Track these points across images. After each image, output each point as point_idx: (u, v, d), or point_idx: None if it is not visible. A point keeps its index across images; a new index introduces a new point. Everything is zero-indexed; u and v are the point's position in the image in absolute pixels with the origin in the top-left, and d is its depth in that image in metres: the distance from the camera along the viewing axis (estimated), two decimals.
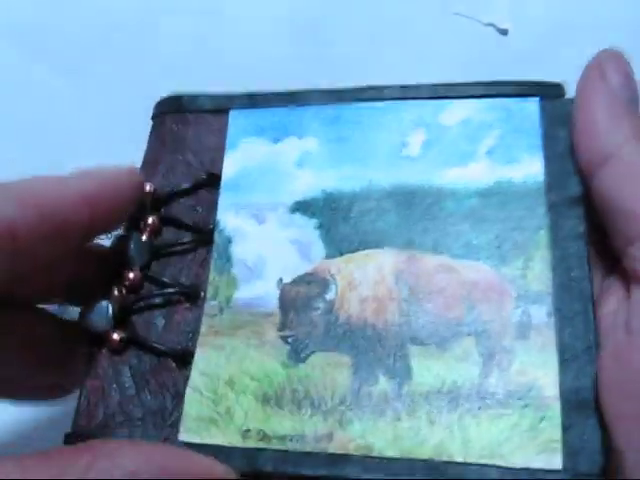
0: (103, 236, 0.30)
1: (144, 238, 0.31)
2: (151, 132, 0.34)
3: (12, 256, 0.26)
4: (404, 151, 0.31)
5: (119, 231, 0.31)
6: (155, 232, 0.31)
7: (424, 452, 0.25)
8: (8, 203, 0.26)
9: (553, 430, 0.25)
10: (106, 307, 0.29)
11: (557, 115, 0.30)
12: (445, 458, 0.25)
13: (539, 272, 0.28)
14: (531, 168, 0.30)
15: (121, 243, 0.30)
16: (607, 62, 0.28)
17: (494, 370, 0.26)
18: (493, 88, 0.31)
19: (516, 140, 0.30)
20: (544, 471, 0.24)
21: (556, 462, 0.24)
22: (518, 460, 0.25)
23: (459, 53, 0.37)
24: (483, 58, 0.37)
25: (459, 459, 0.25)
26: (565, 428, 0.25)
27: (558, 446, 0.25)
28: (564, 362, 0.26)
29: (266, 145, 0.33)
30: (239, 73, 0.33)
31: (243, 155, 0.33)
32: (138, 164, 0.33)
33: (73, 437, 0.27)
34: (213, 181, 0.32)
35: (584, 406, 0.25)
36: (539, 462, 0.24)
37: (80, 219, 0.28)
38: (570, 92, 0.31)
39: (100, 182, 0.29)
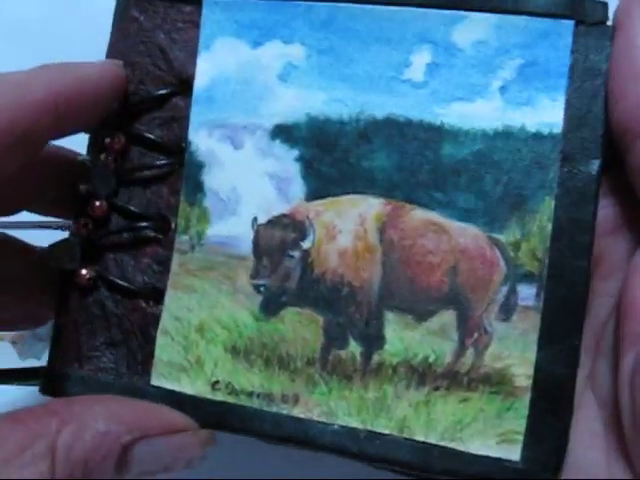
0: None
1: (108, 159, 0.28)
2: (114, 18, 0.29)
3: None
4: (406, 73, 0.26)
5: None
6: (121, 152, 0.28)
7: (387, 426, 0.26)
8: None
9: (518, 421, 0.25)
10: (73, 243, 0.27)
11: (593, 45, 0.25)
12: (406, 434, 0.25)
13: (535, 245, 0.25)
14: (549, 115, 0.25)
15: (84, 169, 0.28)
16: None
17: (469, 351, 0.25)
18: (520, 1, 0.26)
19: (537, 75, 0.25)
20: (500, 460, 0.25)
21: (514, 454, 0.25)
22: (477, 446, 0.25)
23: None
24: None
25: (420, 438, 0.25)
26: (531, 420, 0.25)
27: (520, 438, 0.25)
28: (543, 349, 0.25)
29: (246, 49, 0.28)
30: None
31: (218, 59, 0.28)
32: None
33: (48, 381, 0.28)
34: (185, 88, 0.28)
35: (557, 398, 0.24)
36: (498, 451, 0.25)
37: (46, 121, 0.25)
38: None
39: (70, 80, 0.26)
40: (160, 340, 0.27)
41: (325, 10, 0.27)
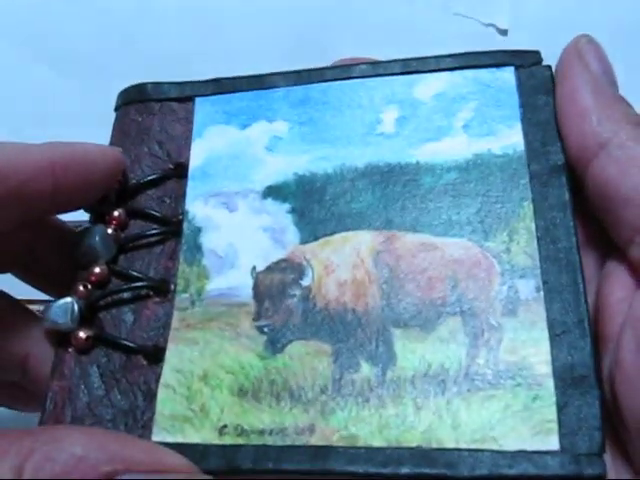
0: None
1: (110, 231, 0.29)
2: (114, 124, 0.32)
3: None
4: (378, 128, 0.30)
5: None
6: (121, 225, 0.30)
7: (412, 439, 0.24)
8: None
9: (547, 409, 0.23)
10: (71, 304, 0.27)
11: (534, 83, 0.29)
12: (435, 445, 0.23)
13: (524, 245, 0.26)
14: (510, 139, 0.28)
15: (86, 236, 0.29)
16: (585, 49, 0.28)
17: (482, 350, 0.25)
18: (466, 59, 0.30)
19: (493, 112, 0.29)
20: (541, 453, 0.23)
21: (553, 443, 0.23)
22: (512, 443, 0.23)
23: None
24: None
25: (450, 445, 0.23)
26: (560, 407, 0.23)
27: (554, 426, 0.23)
28: (555, 337, 0.24)
29: (234, 131, 0.31)
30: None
31: (211, 143, 0.31)
32: None
33: None
34: (180, 171, 0.31)
35: (580, 382, 0.24)
36: (535, 444, 0.23)
37: (42, 186, 0.27)
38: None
39: (69, 152, 0.28)
40: (162, 394, 0.26)
41: (301, 91, 0.31)
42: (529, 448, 0.23)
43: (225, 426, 0.25)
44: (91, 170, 0.29)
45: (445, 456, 0.23)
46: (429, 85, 0.30)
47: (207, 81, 0.32)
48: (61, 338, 0.27)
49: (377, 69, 0.31)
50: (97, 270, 0.28)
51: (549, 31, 0.31)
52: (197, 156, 0.31)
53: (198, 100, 0.32)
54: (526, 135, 0.28)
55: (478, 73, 0.30)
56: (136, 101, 0.32)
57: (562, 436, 0.23)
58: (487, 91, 0.29)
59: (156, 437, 0.25)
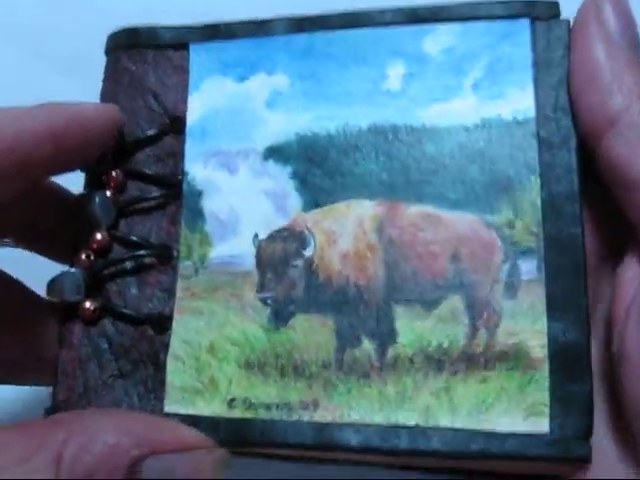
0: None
1: (108, 194, 0.29)
2: (106, 70, 0.31)
3: None
4: (383, 85, 0.28)
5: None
6: (119, 187, 0.29)
7: (411, 418, 0.25)
8: None
9: (540, 393, 0.24)
10: (76, 275, 0.27)
11: (550, 38, 0.27)
12: (431, 423, 0.25)
13: (529, 222, 0.26)
14: (521, 103, 0.27)
15: (84, 202, 0.28)
16: (604, 3, 0.25)
17: (481, 331, 0.26)
18: (479, 9, 0.28)
19: (505, 70, 0.28)
20: (531, 435, 0.24)
21: (543, 426, 0.24)
22: (505, 424, 0.24)
23: None
24: None
25: (446, 424, 0.25)
26: (553, 391, 0.24)
27: (545, 410, 0.24)
28: (553, 322, 0.25)
29: (232, 84, 0.30)
30: None
31: (208, 96, 0.30)
32: None
33: (53, 413, 0.27)
34: (177, 126, 0.30)
35: (573, 368, 0.24)
36: (526, 426, 0.24)
37: (44, 153, 0.26)
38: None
39: (67, 114, 0.27)
40: (171, 366, 0.27)
41: (303, 40, 0.29)
42: (520, 430, 0.24)
43: (234, 399, 0.26)
44: (89, 130, 0.28)
45: (441, 434, 0.25)
46: (438, 38, 0.28)
47: (203, 27, 0.30)
48: (68, 310, 0.28)
49: (384, 17, 0.29)
50: (98, 237, 0.28)
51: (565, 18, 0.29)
52: (194, 111, 0.30)
53: (193, 47, 0.30)
54: (537, 98, 0.27)
55: (491, 25, 0.28)
56: (128, 46, 0.31)
57: (552, 419, 0.24)
58: (500, 46, 0.28)
59: (169, 408, 0.27)
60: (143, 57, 0.30)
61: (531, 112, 0.27)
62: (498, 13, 0.28)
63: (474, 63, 0.28)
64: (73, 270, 0.28)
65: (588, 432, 0.24)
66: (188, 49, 0.30)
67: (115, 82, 0.30)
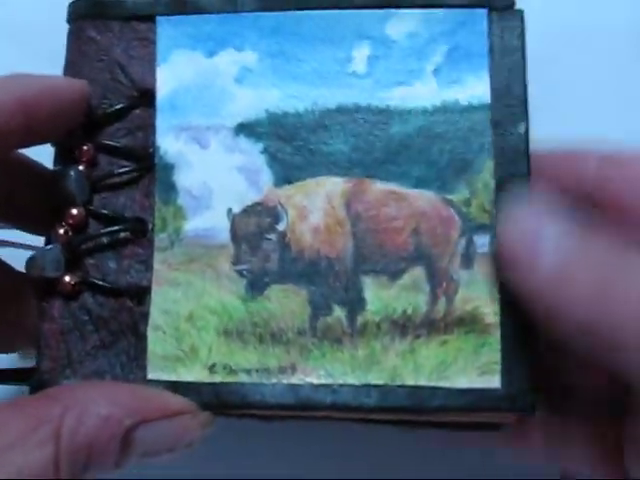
0: None
1: (81, 169, 0.29)
2: (69, 40, 0.30)
3: None
4: (350, 67, 0.30)
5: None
6: (92, 162, 0.29)
7: (379, 378, 0.28)
8: None
9: (493, 354, 0.28)
10: (55, 251, 0.28)
11: (505, 27, 0.30)
12: (398, 382, 0.28)
13: (483, 200, 0.29)
14: (477, 89, 0.29)
15: (58, 178, 0.29)
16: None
17: (441, 299, 0.28)
18: None
19: (462, 58, 0.30)
20: (485, 390, 0.28)
21: (495, 381, 0.28)
22: (462, 381, 0.28)
23: None
24: None
25: (410, 382, 0.28)
26: (503, 352, 0.28)
27: (497, 367, 0.28)
28: (504, 290, 0.28)
29: (201, 58, 0.30)
30: None
31: (177, 70, 0.30)
32: None
33: (38, 386, 0.28)
34: (146, 100, 0.30)
35: (521, 330, 0.28)
36: (480, 382, 0.28)
37: (14, 125, 0.27)
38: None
39: (37, 87, 0.28)
40: (151, 335, 0.28)
41: (272, 18, 0.30)
42: (476, 385, 0.28)
43: (214, 365, 0.28)
44: (60, 102, 0.28)
45: (406, 391, 0.28)
46: (402, 22, 0.30)
47: None
48: (48, 285, 0.28)
49: (351, 1, 0.30)
50: (74, 212, 0.29)
51: (549, 31, 0.31)
52: (164, 84, 0.30)
53: (160, 20, 0.30)
54: (492, 84, 0.29)
55: (451, 13, 0.30)
56: (91, 16, 0.30)
57: (503, 376, 0.28)
58: (458, 34, 0.30)
59: (152, 375, 0.28)
60: (108, 28, 0.30)
61: (486, 98, 0.29)
62: (457, 2, 0.30)
63: (435, 49, 0.30)
64: (51, 246, 0.28)
65: (534, 387, 0.28)
66: (154, 21, 0.30)
67: (79, 53, 0.30)
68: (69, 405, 0.24)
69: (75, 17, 0.30)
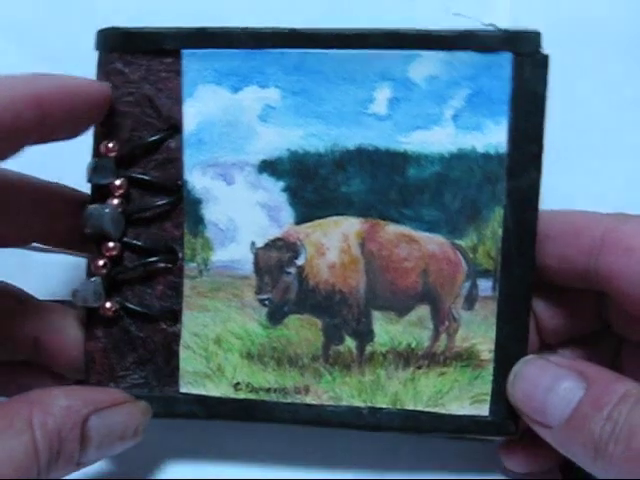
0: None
1: (115, 202, 0.31)
2: (98, 69, 0.31)
3: None
4: (370, 108, 0.31)
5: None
6: (125, 196, 0.31)
7: (382, 401, 0.32)
8: None
9: (485, 385, 0.31)
10: (96, 283, 0.31)
11: (530, 73, 0.30)
12: (399, 406, 0.32)
13: (490, 248, 0.31)
14: (495, 137, 0.30)
15: (95, 215, 0.31)
16: None
17: (442, 336, 0.31)
18: (464, 38, 0.30)
19: (483, 103, 0.30)
20: (474, 417, 0.31)
21: (484, 410, 0.31)
22: (455, 408, 0.31)
23: None
24: None
25: (410, 407, 0.32)
26: (494, 385, 0.31)
27: (487, 398, 0.31)
28: (500, 329, 0.31)
29: (226, 94, 0.31)
30: None
31: (202, 105, 0.31)
32: None
33: None
34: (173, 133, 0.31)
35: (511, 367, 0.31)
36: (471, 410, 0.31)
37: (29, 121, 0.28)
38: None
39: (55, 84, 0.29)
40: (183, 354, 0.32)
41: (295, 56, 0.30)
42: (467, 413, 0.31)
43: (238, 383, 0.32)
44: (77, 100, 0.29)
45: (406, 415, 0.32)
46: (424, 64, 0.30)
47: (195, 32, 0.30)
48: (90, 310, 0.32)
49: (374, 39, 0.30)
50: (111, 245, 0.31)
51: (549, 31, 0.29)
52: (190, 119, 0.31)
53: (185, 53, 0.31)
54: (510, 135, 0.30)
55: (475, 56, 0.30)
56: (119, 48, 0.31)
57: (491, 405, 0.31)
58: (481, 78, 0.30)
59: (183, 389, 0.32)
60: (137, 61, 0.31)
61: (503, 147, 0.30)
62: (482, 45, 0.30)
63: (456, 93, 0.30)
64: (93, 279, 0.31)
65: (518, 416, 0.31)
66: (180, 54, 0.31)
67: (109, 84, 0.31)
68: (35, 401, 0.28)
69: (104, 48, 0.31)
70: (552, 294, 0.32)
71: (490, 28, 0.30)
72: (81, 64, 0.30)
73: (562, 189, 0.32)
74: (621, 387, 0.28)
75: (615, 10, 0.33)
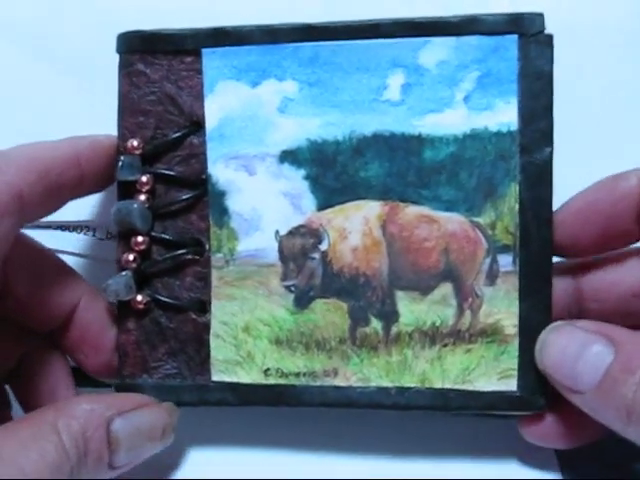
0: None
1: (142, 199, 0.32)
2: (120, 72, 0.33)
3: (20, 214, 0.29)
4: (384, 94, 0.32)
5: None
6: (152, 192, 0.33)
7: (411, 381, 0.32)
8: (10, 169, 0.29)
9: (511, 361, 0.32)
10: (127, 277, 0.32)
11: (535, 52, 0.31)
12: (427, 385, 0.32)
13: (508, 223, 0.32)
14: (506, 116, 0.31)
15: (124, 212, 0.32)
16: None
17: (466, 313, 0.32)
18: (471, 24, 0.31)
19: (493, 84, 0.31)
20: (502, 392, 0.32)
21: (512, 386, 0.32)
22: (483, 385, 0.32)
23: None
24: None
25: (438, 385, 0.32)
26: (520, 359, 0.32)
27: (514, 373, 0.32)
28: (523, 303, 0.31)
29: (245, 89, 0.32)
30: None
31: (223, 100, 0.32)
32: None
33: (121, 388, 0.33)
34: (196, 129, 0.33)
35: (536, 340, 0.31)
36: (499, 386, 0.32)
37: (72, 175, 0.31)
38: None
39: (88, 144, 0.32)
40: (213, 343, 0.33)
41: (310, 49, 0.32)
42: (495, 389, 0.32)
43: (268, 369, 0.33)
44: (106, 158, 0.32)
45: (434, 393, 0.32)
46: (434, 51, 0.31)
47: (213, 31, 0.32)
48: (122, 304, 0.33)
49: (385, 28, 0.31)
50: (140, 239, 0.32)
51: (549, 31, 0.31)
52: (212, 115, 0.32)
53: (205, 52, 0.32)
54: (520, 113, 0.31)
55: (482, 40, 0.31)
56: (140, 49, 0.32)
57: (519, 380, 0.32)
58: (489, 61, 0.31)
59: (215, 377, 0.33)
60: (157, 61, 0.32)
61: (514, 124, 0.31)
62: (489, 28, 0.31)
63: (466, 76, 0.31)
64: (124, 273, 0.32)
65: (545, 390, 0.32)
66: (200, 53, 0.32)
67: (132, 85, 0.33)
68: (59, 409, 0.29)
69: (124, 50, 0.33)
70: (590, 261, 0.33)
71: (495, 13, 0.31)
72: (81, 64, 0.31)
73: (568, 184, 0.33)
74: None
75: (615, 10, 0.34)
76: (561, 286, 0.32)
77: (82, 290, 0.34)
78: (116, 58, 0.32)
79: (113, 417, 0.30)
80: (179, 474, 0.35)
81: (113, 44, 0.32)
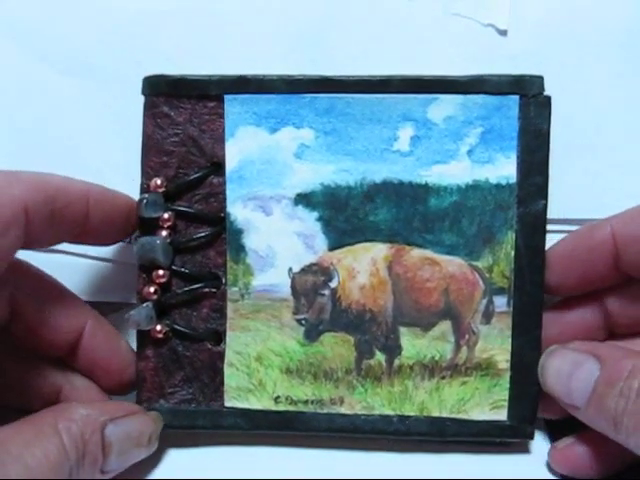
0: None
1: (164, 234, 0.34)
2: (145, 112, 0.34)
3: (25, 228, 0.31)
4: (395, 145, 0.34)
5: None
6: (173, 228, 0.34)
7: (411, 409, 0.35)
8: (20, 185, 0.31)
9: (502, 393, 0.35)
10: (148, 308, 0.34)
11: (534, 112, 0.34)
12: (425, 413, 0.35)
13: (504, 268, 0.34)
14: (506, 170, 0.34)
15: (147, 247, 0.34)
16: None
17: (463, 348, 0.35)
18: (477, 83, 0.34)
19: (495, 140, 0.34)
20: (493, 422, 0.35)
21: (503, 415, 0.35)
22: (476, 414, 0.35)
23: (458, 53, 0.37)
24: (483, 58, 0.37)
25: (435, 414, 0.35)
26: (511, 392, 0.35)
27: (505, 404, 0.35)
28: (515, 341, 0.34)
29: (264, 135, 0.34)
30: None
31: (243, 145, 0.34)
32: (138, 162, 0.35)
33: None
34: (216, 169, 0.35)
35: (526, 376, 0.34)
36: (491, 416, 0.35)
37: (78, 210, 0.33)
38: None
39: (101, 189, 0.34)
40: (227, 371, 0.35)
41: (326, 100, 0.34)
42: (488, 418, 0.35)
43: (279, 397, 0.35)
44: (115, 209, 0.34)
45: (432, 421, 0.35)
46: (442, 107, 0.34)
47: (235, 78, 0.34)
48: (142, 332, 0.35)
49: (397, 85, 0.34)
50: (161, 273, 0.34)
51: (549, 32, 0.32)
52: (232, 157, 0.34)
53: (227, 98, 0.34)
54: (519, 167, 0.34)
55: (487, 99, 0.34)
56: (164, 93, 0.34)
57: (509, 411, 0.35)
58: (492, 118, 0.34)
59: (228, 403, 0.35)
60: (182, 105, 0.34)
61: (513, 178, 0.34)
62: (493, 88, 0.34)
63: (470, 131, 0.34)
64: (145, 305, 0.34)
65: (533, 419, 0.35)
66: (223, 99, 0.34)
67: (156, 126, 0.34)
68: (58, 411, 0.31)
69: (150, 93, 0.34)
70: (620, 286, 0.35)
71: (499, 74, 0.34)
72: (81, 64, 0.31)
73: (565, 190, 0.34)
74: (629, 363, 0.31)
75: (615, 10, 0.35)
76: (588, 309, 0.35)
77: (87, 315, 0.36)
78: (117, 60, 0.33)
79: (106, 422, 0.32)
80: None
81: (113, 44, 0.32)
